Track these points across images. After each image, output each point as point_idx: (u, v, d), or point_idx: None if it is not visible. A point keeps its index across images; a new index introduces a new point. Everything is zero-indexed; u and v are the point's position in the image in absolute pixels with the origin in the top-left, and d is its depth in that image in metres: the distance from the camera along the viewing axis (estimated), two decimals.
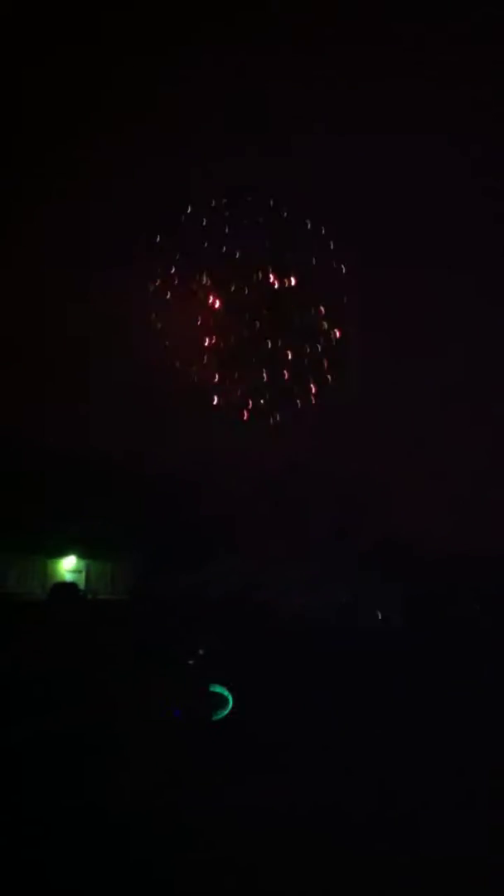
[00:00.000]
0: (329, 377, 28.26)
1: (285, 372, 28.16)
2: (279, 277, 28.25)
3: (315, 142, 26.75)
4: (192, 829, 7.71)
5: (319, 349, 28.06)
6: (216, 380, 28.19)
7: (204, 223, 28.16)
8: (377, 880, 6.90)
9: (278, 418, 28.30)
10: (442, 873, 7.02)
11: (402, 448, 27.84)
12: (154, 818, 7.77)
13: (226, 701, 11.55)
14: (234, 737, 10.71)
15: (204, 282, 28.47)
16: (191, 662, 13.07)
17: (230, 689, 11.71)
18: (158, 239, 27.76)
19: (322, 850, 7.42)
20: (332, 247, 27.21)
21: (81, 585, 27.71)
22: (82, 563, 30.29)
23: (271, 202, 27.58)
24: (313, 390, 28.12)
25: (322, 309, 28.02)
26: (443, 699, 11.26)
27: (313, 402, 27.98)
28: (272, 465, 28.70)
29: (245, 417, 28.13)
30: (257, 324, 28.28)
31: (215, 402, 28.09)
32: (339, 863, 7.20)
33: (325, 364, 28.23)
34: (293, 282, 28.13)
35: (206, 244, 28.30)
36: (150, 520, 28.37)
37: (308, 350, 28.18)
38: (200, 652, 13.40)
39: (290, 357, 28.08)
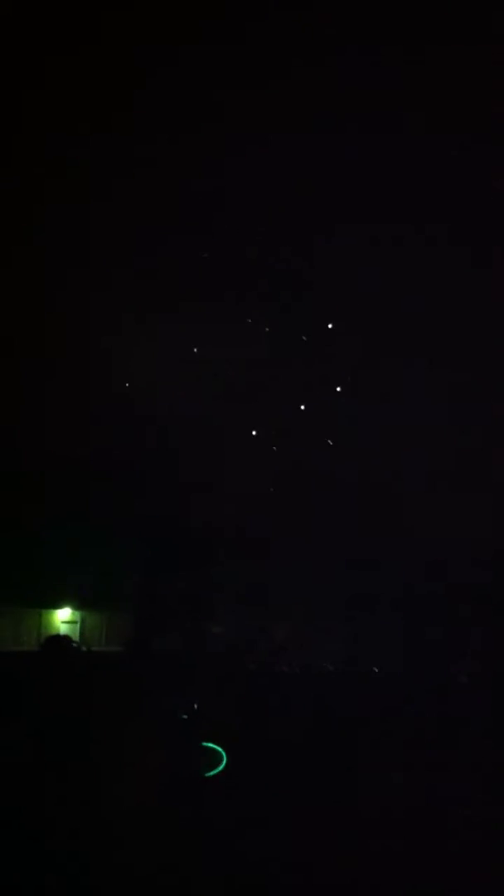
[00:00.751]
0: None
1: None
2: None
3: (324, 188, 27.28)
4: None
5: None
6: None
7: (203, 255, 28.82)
8: None
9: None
10: None
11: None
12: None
13: (220, 757, 11.56)
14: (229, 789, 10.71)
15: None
16: (185, 717, 13.09)
17: (224, 746, 11.71)
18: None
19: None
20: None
21: (76, 637, 27.80)
22: (77, 615, 30.45)
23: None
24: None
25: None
26: (438, 750, 11.29)
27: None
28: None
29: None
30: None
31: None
32: None
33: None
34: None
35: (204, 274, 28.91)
36: (145, 569, 28.49)
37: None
38: (195, 706, 13.42)
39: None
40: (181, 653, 20.43)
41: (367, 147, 25.66)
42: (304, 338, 29.07)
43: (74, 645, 24.66)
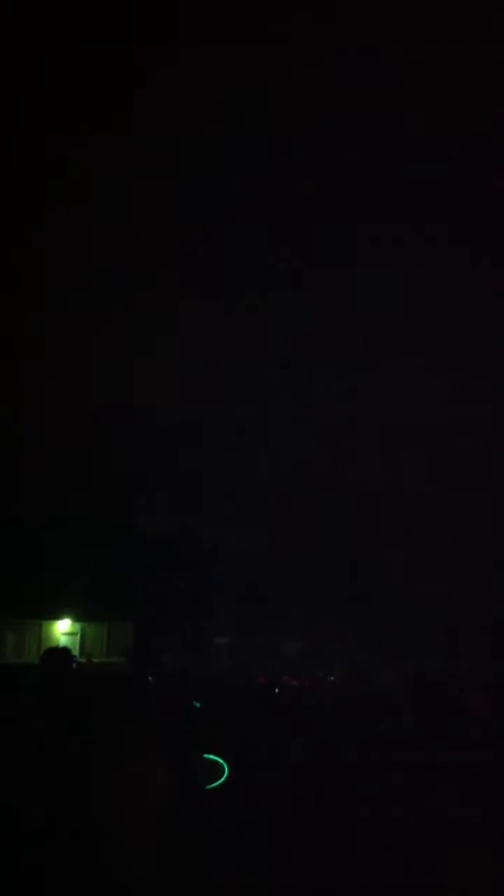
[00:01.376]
0: None
1: None
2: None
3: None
4: None
5: None
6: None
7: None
8: None
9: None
10: None
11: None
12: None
13: (221, 769, 11.67)
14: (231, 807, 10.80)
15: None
16: (186, 728, 13.19)
17: (226, 757, 11.81)
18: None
19: None
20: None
21: (76, 649, 27.93)
22: (77, 626, 30.64)
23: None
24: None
25: None
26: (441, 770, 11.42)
27: None
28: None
29: None
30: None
31: None
32: None
33: None
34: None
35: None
36: (145, 579, 28.65)
37: None
38: (198, 715, 13.54)
39: None
40: (184, 663, 20.56)
41: (367, 147, 25.90)
42: (300, 344, 29.30)
43: (73, 657, 24.86)
